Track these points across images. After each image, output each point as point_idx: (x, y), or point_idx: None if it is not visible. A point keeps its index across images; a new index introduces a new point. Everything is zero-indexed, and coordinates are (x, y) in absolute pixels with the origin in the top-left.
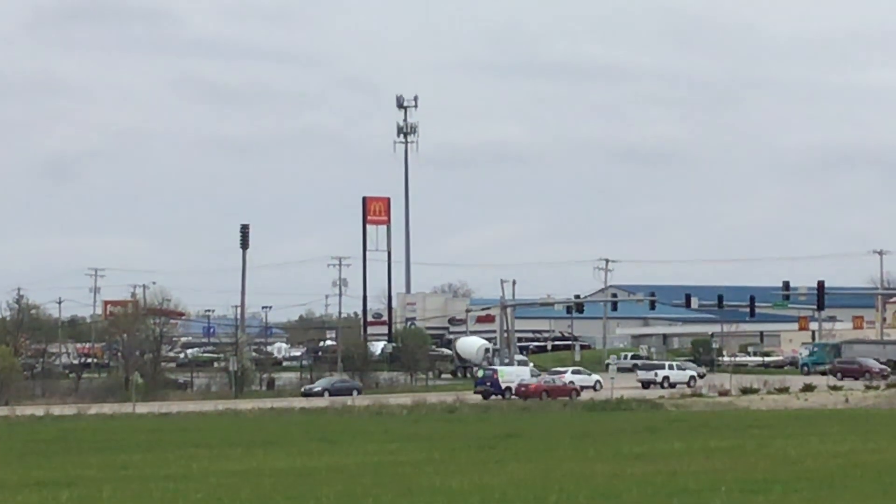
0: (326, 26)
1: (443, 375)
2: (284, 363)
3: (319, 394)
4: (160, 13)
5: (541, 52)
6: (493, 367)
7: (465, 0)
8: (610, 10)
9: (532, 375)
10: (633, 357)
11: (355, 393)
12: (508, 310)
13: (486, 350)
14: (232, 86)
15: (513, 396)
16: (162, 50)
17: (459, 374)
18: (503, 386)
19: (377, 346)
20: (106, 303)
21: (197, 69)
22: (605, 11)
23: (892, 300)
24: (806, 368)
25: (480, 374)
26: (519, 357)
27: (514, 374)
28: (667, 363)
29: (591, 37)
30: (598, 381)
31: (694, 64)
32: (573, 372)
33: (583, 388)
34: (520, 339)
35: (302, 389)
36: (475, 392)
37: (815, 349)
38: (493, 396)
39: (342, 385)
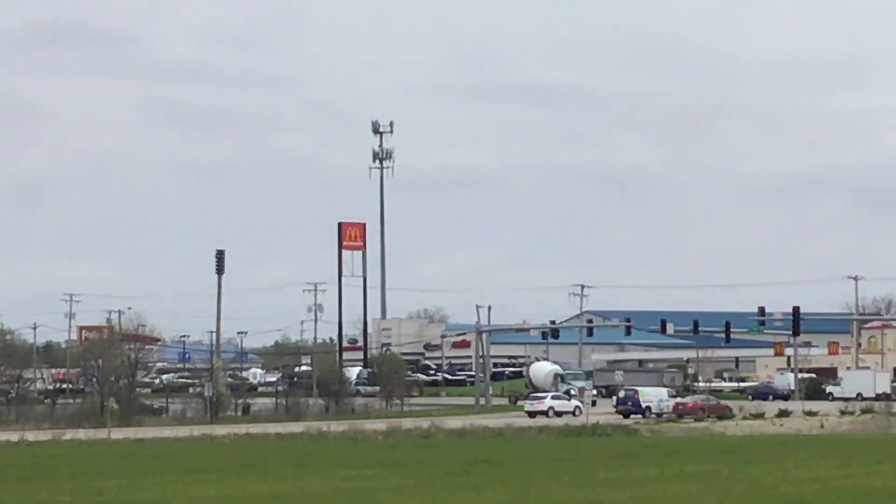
0: (294, 50)
1: (518, 402)
2: (260, 389)
3: None
4: (127, 37)
5: (511, 77)
6: (633, 387)
7: (433, 24)
8: (579, 35)
9: (669, 396)
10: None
11: None
12: (484, 335)
13: (556, 375)
14: (201, 110)
15: (652, 415)
16: (129, 74)
17: None
18: (643, 405)
19: (353, 372)
20: (81, 328)
21: (165, 93)
22: (574, 36)
23: (867, 325)
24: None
25: (621, 394)
26: (580, 383)
27: (653, 395)
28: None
29: (560, 61)
30: (577, 407)
31: (663, 89)
32: (553, 397)
33: (562, 413)
34: (495, 365)
35: None
36: (616, 412)
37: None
38: (633, 415)
39: None
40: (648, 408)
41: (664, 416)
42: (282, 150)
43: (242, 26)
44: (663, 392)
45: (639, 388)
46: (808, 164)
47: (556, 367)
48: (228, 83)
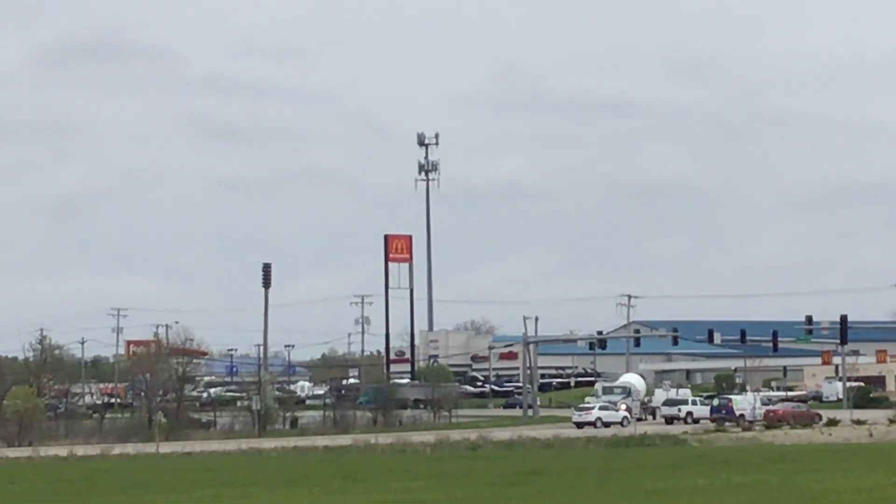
0: (333, 64)
1: None
2: (307, 402)
3: None
4: (163, 51)
5: (551, 88)
6: (727, 396)
7: (470, 37)
8: (618, 45)
9: (762, 403)
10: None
11: None
12: (531, 346)
13: (603, 388)
14: (239, 124)
15: (749, 422)
16: (167, 88)
17: None
18: (738, 413)
19: (400, 384)
20: (129, 343)
21: (203, 107)
22: (613, 46)
23: None
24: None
25: (715, 402)
26: (617, 397)
27: (745, 403)
28: (690, 399)
29: (600, 72)
30: (625, 417)
31: (702, 98)
32: (600, 408)
33: (610, 423)
34: (543, 376)
35: None
36: (710, 420)
37: (369, 392)
38: (727, 423)
39: None
40: (742, 415)
41: (755, 423)
42: (324, 163)
43: (280, 40)
44: (756, 399)
45: (732, 397)
46: (852, 172)
47: (630, 380)
48: (267, 97)
